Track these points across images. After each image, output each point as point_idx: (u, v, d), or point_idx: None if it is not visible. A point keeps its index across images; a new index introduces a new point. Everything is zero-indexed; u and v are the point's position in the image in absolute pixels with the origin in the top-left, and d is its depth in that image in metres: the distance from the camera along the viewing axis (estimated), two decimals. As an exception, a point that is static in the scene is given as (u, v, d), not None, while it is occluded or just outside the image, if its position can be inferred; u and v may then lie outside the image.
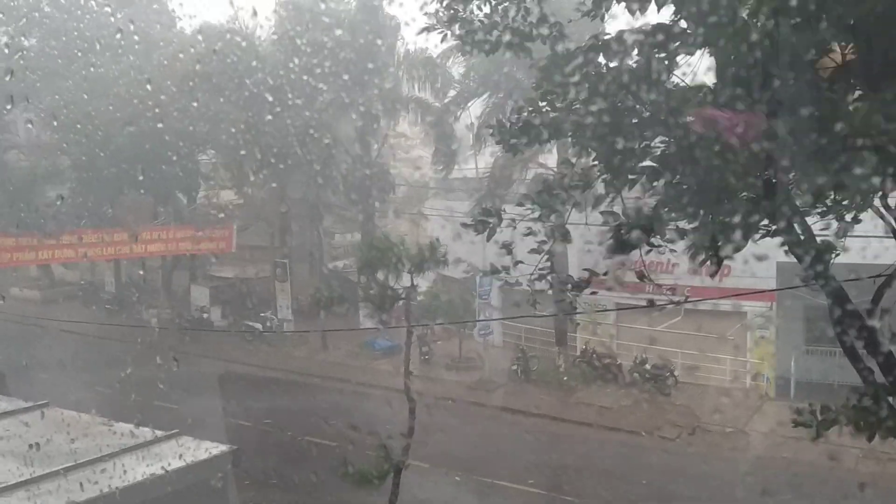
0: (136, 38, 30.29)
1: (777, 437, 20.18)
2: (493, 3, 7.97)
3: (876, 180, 5.87)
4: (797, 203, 7.14)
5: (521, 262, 7.89)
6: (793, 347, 23.37)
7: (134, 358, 18.00)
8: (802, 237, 7.40)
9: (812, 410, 7.77)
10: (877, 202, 7.78)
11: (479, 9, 8.05)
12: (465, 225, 8.13)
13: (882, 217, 7.89)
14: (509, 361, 27.42)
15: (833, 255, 7.35)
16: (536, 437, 22.19)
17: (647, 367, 25.05)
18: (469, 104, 29.95)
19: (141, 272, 39.16)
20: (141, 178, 30.97)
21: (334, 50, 28.01)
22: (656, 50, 6.66)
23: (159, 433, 10.86)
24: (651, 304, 9.98)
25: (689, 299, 18.77)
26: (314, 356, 30.45)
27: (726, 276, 22.77)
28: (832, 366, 21.26)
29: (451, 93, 30.96)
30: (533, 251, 7.88)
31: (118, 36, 29.67)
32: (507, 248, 7.87)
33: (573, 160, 8.34)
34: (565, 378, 25.96)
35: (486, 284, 26.38)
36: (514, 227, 7.83)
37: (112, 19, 31.98)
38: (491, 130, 8.31)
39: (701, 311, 21.81)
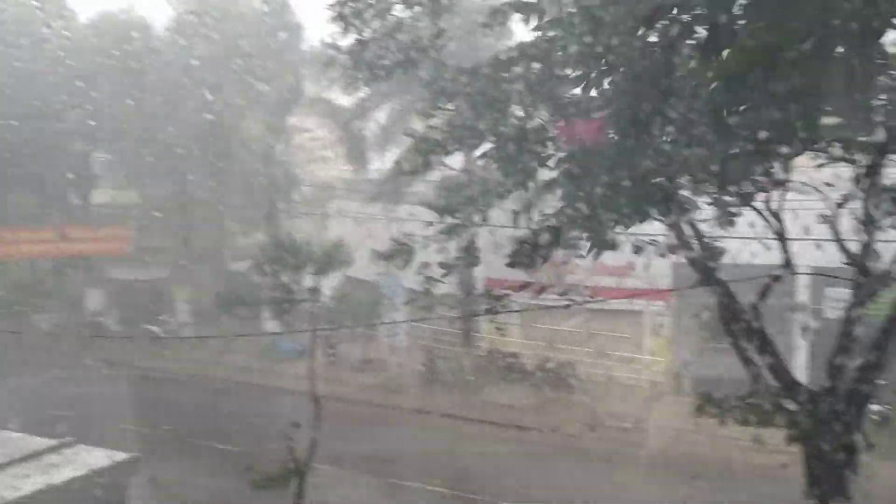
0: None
1: (673, 430, 20.99)
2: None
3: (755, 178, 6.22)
4: (683, 200, 7.47)
5: (440, 280, 8.01)
6: (689, 345, 24.28)
7: (23, 365, 17.22)
8: (693, 238, 7.76)
9: (712, 400, 8.18)
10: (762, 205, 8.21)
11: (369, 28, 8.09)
12: (379, 256, 8.21)
13: (765, 218, 8.33)
14: (416, 362, 27.49)
15: (720, 256, 7.74)
16: (440, 436, 22.32)
17: (551, 365, 25.56)
18: (380, 105, 29.81)
19: (30, 275, 37.35)
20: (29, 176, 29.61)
21: (237, 44, 27.41)
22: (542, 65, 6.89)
23: (52, 442, 10.43)
24: (567, 304, 10.26)
25: (593, 299, 19.31)
26: (216, 359, 29.73)
27: (627, 276, 23.70)
28: (726, 362, 22.14)
29: (360, 94, 30.77)
30: (444, 267, 7.99)
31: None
32: (426, 275, 7.96)
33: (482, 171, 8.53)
34: (471, 378, 26.21)
35: (394, 286, 26.37)
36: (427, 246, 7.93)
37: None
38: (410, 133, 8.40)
39: (603, 310, 22.45)
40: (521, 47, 7.11)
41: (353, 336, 29.31)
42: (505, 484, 18.92)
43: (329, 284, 20.50)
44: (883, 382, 9.24)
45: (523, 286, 8.83)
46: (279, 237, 21.01)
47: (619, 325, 25.13)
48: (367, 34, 8.38)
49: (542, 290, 9.08)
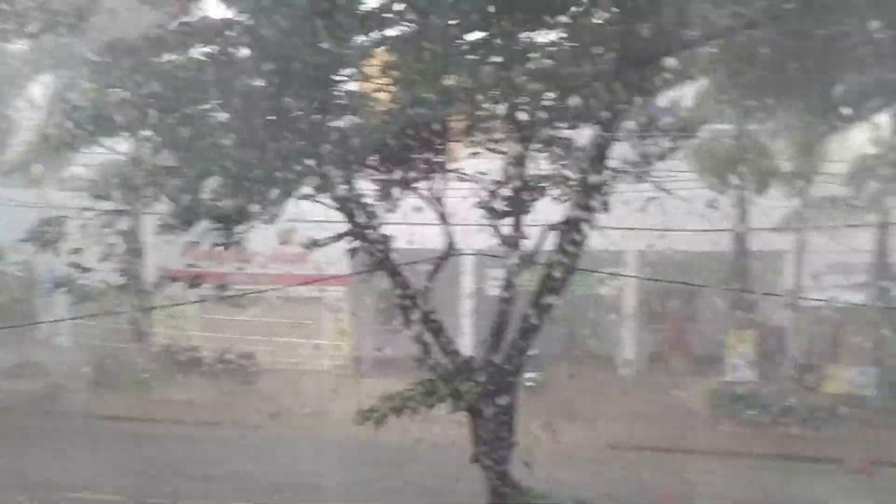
0: None
1: (351, 414, 21.53)
2: None
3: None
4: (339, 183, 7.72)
5: (90, 269, 7.51)
6: (367, 327, 25.11)
7: None
8: (365, 225, 8.02)
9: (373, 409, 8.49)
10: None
11: None
12: (24, 241, 7.50)
13: (429, 205, 8.87)
14: (81, 363, 25.30)
15: (390, 242, 8.09)
16: (112, 441, 20.84)
17: (231, 356, 25.03)
18: (30, 82, 26.63)
19: None
20: None
21: None
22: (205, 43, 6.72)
23: None
24: (244, 293, 10.08)
25: (272, 287, 19.18)
26: None
27: (305, 262, 23.84)
28: (404, 342, 23.26)
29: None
30: (105, 255, 7.51)
31: None
32: (75, 264, 7.42)
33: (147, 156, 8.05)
34: (144, 376, 24.77)
35: (50, 282, 23.96)
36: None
37: None
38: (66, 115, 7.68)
39: (284, 298, 22.38)
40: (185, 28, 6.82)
41: (4, 337, 26.18)
42: (178, 485, 18.19)
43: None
44: (535, 352, 10.31)
45: (197, 276, 8.53)
46: None
47: (299, 311, 25.25)
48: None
49: (219, 278, 8.88)
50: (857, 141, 20.01)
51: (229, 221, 7.21)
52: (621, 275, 24.11)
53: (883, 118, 20.29)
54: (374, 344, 24.87)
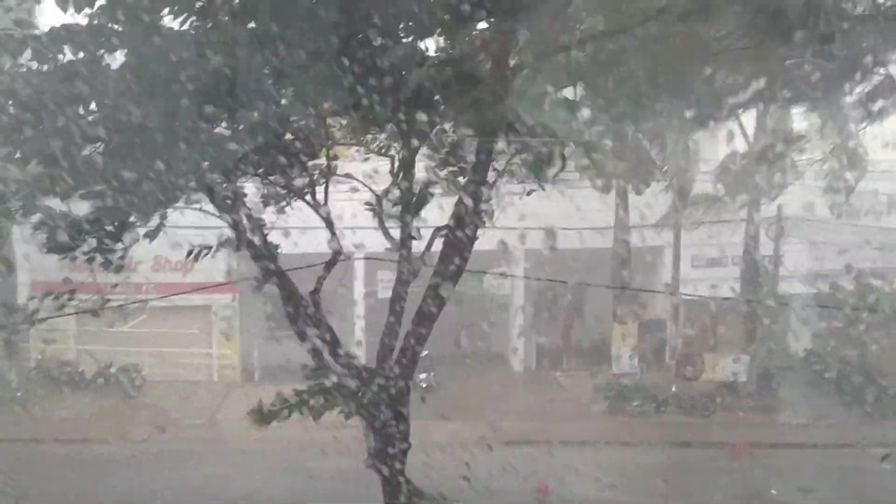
0: None
1: (244, 423, 21.05)
2: None
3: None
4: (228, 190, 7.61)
5: None
6: (256, 335, 24.63)
7: None
8: (252, 232, 7.90)
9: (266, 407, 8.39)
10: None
11: None
12: None
13: (315, 209, 8.83)
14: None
15: (277, 250, 8.00)
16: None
17: (113, 370, 24.08)
18: None
19: None
20: None
21: None
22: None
23: None
24: (123, 304, 9.77)
25: (156, 297, 18.57)
26: None
27: (190, 271, 23.15)
28: (293, 348, 22.94)
29: None
30: None
31: None
32: None
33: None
34: (19, 394, 23.49)
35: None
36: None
37: None
38: None
39: (168, 307, 21.65)
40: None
41: None
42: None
43: None
44: (425, 353, 10.41)
45: (73, 289, 8.18)
46: None
47: (186, 321, 24.53)
48: None
49: (97, 290, 8.53)
50: (727, 140, 21.03)
51: (109, 237, 6.96)
52: (509, 275, 24.57)
53: (749, 118, 21.44)
54: (264, 351, 24.45)
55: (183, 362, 24.90)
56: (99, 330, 23.79)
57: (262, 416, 8.69)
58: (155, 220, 7.23)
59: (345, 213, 9.94)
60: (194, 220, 8.69)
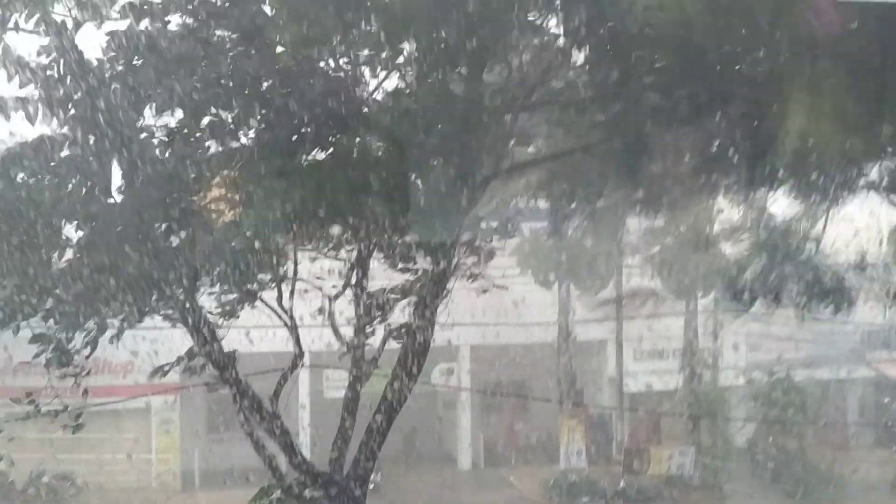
0: None
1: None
2: None
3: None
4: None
5: None
6: (197, 437, 23.95)
7: None
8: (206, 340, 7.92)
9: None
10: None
11: None
12: None
13: (274, 310, 8.90)
14: None
15: (233, 360, 8.01)
16: None
17: (45, 479, 23.00)
18: None
19: None
20: None
21: None
22: None
23: None
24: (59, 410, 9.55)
25: (92, 402, 17.95)
26: None
27: (130, 372, 22.59)
28: (237, 452, 22.31)
29: None
30: None
31: None
32: None
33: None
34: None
35: None
36: None
37: None
38: None
39: (106, 411, 20.94)
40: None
41: None
42: None
43: None
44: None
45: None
46: None
47: (124, 425, 23.73)
48: None
49: (31, 393, 8.42)
50: (666, 232, 21.57)
51: (65, 349, 6.92)
52: (453, 370, 24.59)
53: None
54: (205, 455, 23.74)
55: (120, 469, 23.97)
56: (34, 437, 22.92)
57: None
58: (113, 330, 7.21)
59: (297, 312, 10.00)
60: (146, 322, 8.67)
